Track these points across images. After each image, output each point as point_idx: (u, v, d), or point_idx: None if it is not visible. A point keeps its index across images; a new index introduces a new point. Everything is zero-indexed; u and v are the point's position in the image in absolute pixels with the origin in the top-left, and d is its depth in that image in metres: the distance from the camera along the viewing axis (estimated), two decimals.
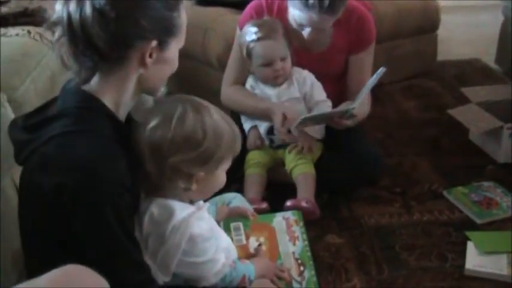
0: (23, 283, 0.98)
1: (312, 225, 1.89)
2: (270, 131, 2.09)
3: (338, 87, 2.16)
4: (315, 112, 2.04)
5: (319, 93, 2.08)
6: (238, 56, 2.13)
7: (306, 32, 1.98)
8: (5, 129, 1.33)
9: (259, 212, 1.79)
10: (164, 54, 1.26)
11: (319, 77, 2.09)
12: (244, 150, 2.05)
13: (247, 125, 2.14)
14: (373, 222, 2.05)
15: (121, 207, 1.18)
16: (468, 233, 1.95)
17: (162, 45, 1.24)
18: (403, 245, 1.93)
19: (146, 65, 1.24)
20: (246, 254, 1.59)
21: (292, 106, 2.02)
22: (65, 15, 1.17)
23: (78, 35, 1.16)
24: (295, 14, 1.95)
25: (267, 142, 2.13)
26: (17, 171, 1.32)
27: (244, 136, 2.08)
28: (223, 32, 2.57)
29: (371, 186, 2.20)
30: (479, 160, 2.40)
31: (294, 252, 1.64)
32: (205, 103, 1.36)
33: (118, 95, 1.26)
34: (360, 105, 1.97)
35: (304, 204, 1.92)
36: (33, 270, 1.03)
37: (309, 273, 1.61)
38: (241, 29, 2.11)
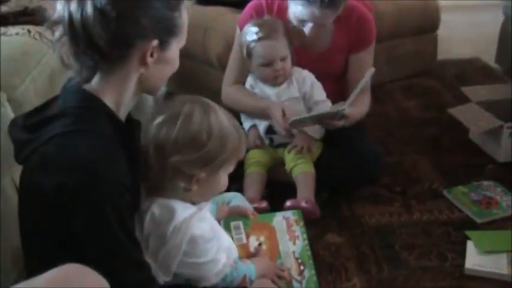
0: (22, 282, 0.97)
1: (312, 224, 1.89)
2: (269, 130, 2.09)
3: (338, 87, 2.16)
4: (314, 112, 2.04)
5: (318, 93, 2.08)
6: (239, 55, 2.13)
7: (307, 28, 1.97)
8: (5, 129, 1.33)
9: (259, 211, 1.79)
10: (165, 54, 1.26)
11: (319, 77, 2.09)
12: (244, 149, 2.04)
13: (246, 124, 2.14)
14: (373, 222, 2.05)
15: (121, 207, 1.18)
16: (468, 232, 1.95)
17: (163, 45, 1.24)
18: (403, 245, 1.93)
19: (147, 65, 1.24)
20: (246, 253, 1.59)
21: (291, 105, 2.02)
22: (66, 14, 1.17)
23: (79, 35, 1.16)
24: (296, 10, 1.95)
25: (266, 141, 2.13)
26: (17, 170, 1.32)
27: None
28: (223, 32, 2.57)
29: (371, 185, 2.20)
30: (479, 159, 2.40)
31: (294, 252, 1.64)
32: (214, 105, 1.36)
33: (119, 95, 1.26)
34: (352, 106, 1.96)
35: (304, 204, 1.92)
36: (33, 270, 1.02)
37: (309, 272, 1.62)
38: (241, 28, 2.11)
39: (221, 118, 1.33)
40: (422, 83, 3.14)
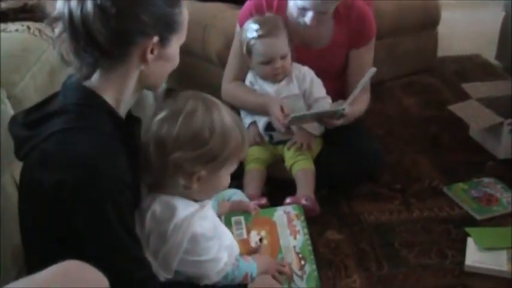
0: (22, 279, 0.97)
1: (312, 221, 1.88)
2: (269, 127, 2.09)
3: (338, 84, 2.16)
4: (313, 110, 2.03)
5: (318, 89, 2.08)
6: (238, 52, 2.12)
7: (307, 17, 1.96)
8: (5, 125, 1.33)
9: (259, 207, 1.79)
10: (165, 50, 1.26)
11: (319, 74, 2.08)
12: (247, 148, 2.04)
13: (246, 120, 2.14)
14: (373, 219, 2.05)
15: (121, 204, 1.18)
16: (468, 229, 1.95)
17: (163, 41, 1.24)
18: (402, 242, 1.94)
19: (147, 62, 1.23)
20: (247, 248, 1.59)
21: (289, 102, 2.01)
22: (66, 11, 1.16)
23: (79, 31, 1.16)
24: None
25: (266, 138, 2.12)
26: (17, 167, 1.32)
27: None
28: (223, 28, 2.56)
29: (371, 183, 2.20)
30: (480, 156, 2.40)
31: (295, 247, 1.64)
32: (217, 102, 1.35)
33: (119, 92, 1.25)
34: (351, 105, 1.96)
35: (303, 201, 1.92)
36: (33, 267, 1.02)
37: (310, 267, 1.61)
38: (240, 25, 2.10)
39: (224, 116, 1.32)
40: (422, 80, 3.14)
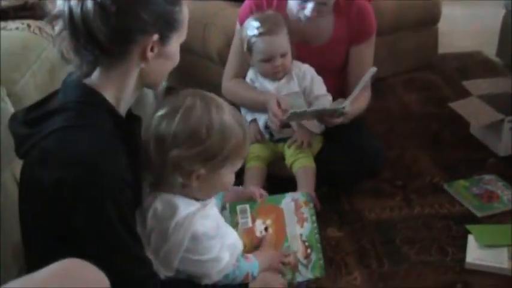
0: (22, 277, 0.97)
1: None
2: (268, 125, 2.08)
3: (338, 82, 2.15)
4: (313, 107, 2.03)
5: (319, 87, 2.08)
6: (239, 50, 2.12)
7: (308, 9, 1.96)
8: (5, 123, 1.33)
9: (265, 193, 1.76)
10: (166, 48, 1.26)
11: (319, 71, 2.08)
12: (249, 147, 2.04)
13: (247, 118, 2.13)
14: (374, 216, 2.05)
15: (122, 202, 1.18)
16: (469, 227, 1.95)
17: (163, 39, 1.24)
18: (403, 239, 1.94)
19: (147, 59, 1.23)
20: (251, 238, 1.57)
21: (287, 98, 2.01)
22: (66, 9, 1.16)
23: (79, 29, 1.16)
24: None
25: (266, 136, 2.12)
26: (17, 165, 1.32)
27: None
28: (223, 26, 2.56)
29: (372, 180, 2.19)
30: (480, 153, 2.40)
31: (301, 235, 1.61)
32: (218, 100, 1.33)
33: (119, 90, 1.25)
34: (352, 104, 1.96)
35: None
36: (34, 265, 1.02)
37: (316, 256, 1.59)
38: (240, 23, 2.10)
39: (224, 113, 1.30)
40: (423, 77, 3.14)
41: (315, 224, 1.64)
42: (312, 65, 2.08)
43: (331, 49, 2.11)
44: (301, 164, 2.03)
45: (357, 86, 1.98)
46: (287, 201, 1.67)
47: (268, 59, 2.01)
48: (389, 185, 2.21)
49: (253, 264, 1.46)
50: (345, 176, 2.11)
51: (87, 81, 1.24)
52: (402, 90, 3.01)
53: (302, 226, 1.63)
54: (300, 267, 1.58)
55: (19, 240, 1.31)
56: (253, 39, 2.00)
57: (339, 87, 2.13)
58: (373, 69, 1.99)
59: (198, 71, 2.72)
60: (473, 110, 2.44)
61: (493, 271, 1.78)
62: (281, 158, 2.11)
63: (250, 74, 2.14)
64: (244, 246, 1.52)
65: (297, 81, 2.06)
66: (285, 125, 2.05)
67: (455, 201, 2.11)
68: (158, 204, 1.31)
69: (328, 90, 2.09)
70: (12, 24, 2.12)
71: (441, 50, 3.30)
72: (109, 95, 1.24)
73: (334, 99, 2.07)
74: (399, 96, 2.95)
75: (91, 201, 1.14)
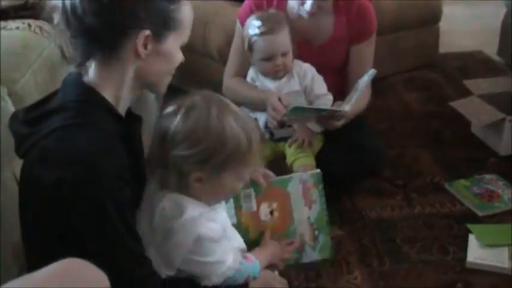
0: (21, 277, 0.97)
1: None
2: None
3: (339, 81, 2.15)
4: (314, 106, 2.03)
5: (319, 86, 2.07)
6: (239, 48, 2.12)
7: (307, 5, 1.96)
8: (5, 122, 1.33)
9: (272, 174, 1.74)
10: (161, 47, 1.24)
11: (320, 70, 2.08)
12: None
13: None
14: (375, 215, 2.05)
15: (121, 201, 1.17)
16: (469, 226, 1.95)
17: (157, 37, 1.23)
18: (404, 238, 1.94)
19: (140, 56, 1.22)
20: (256, 222, 1.55)
21: (291, 98, 2.01)
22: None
23: (70, 18, 1.17)
24: None
25: (267, 135, 2.12)
26: (17, 164, 1.32)
27: None
28: (223, 25, 2.56)
29: (373, 179, 2.19)
30: (481, 153, 2.40)
31: (309, 217, 1.59)
32: (224, 103, 1.30)
33: (117, 89, 1.25)
34: (352, 105, 1.96)
35: None
36: (34, 264, 1.02)
37: (324, 237, 1.58)
38: (240, 22, 2.10)
39: (226, 117, 1.27)
40: (424, 76, 3.14)
41: (324, 206, 1.61)
42: (312, 64, 2.07)
43: (332, 48, 2.11)
44: (301, 163, 2.03)
45: (356, 89, 1.97)
46: (294, 184, 1.61)
47: (269, 58, 2.00)
48: (390, 184, 2.21)
49: (254, 265, 1.44)
50: (346, 175, 2.11)
51: (86, 80, 1.24)
52: (403, 88, 3.01)
53: (310, 208, 1.59)
54: (307, 249, 1.56)
55: (19, 240, 1.31)
56: (254, 38, 2.00)
57: (340, 86, 2.13)
58: (372, 71, 1.98)
59: (198, 70, 2.72)
60: (474, 109, 2.44)
61: (494, 270, 1.78)
62: (282, 157, 2.11)
63: (251, 73, 2.14)
64: (248, 230, 1.51)
65: (297, 80, 2.06)
66: (286, 124, 2.05)
67: (456, 200, 2.12)
68: (166, 203, 1.29)
69: (329, 89, 2.08)
70: (12, 24, 2.12)
71: (442, 49, 3.30)
72: (108, 94, 1.24)
73: (334, 98, 2.07)
74: (400, 95, 2.95)
75: (90, 199, 1.14)
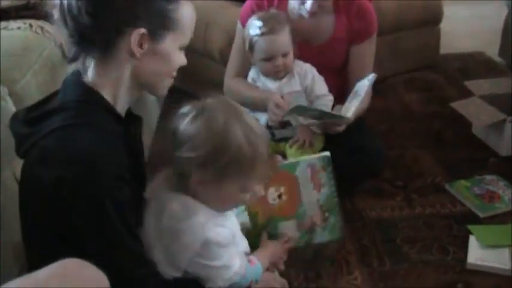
0: (21, 277, 0.97)
1: None
2: (269, 124, 2.08)
3: (340, 81, 2.15)
4: (317, 107, 2.03)
5: (320, 87, 2.07)
6: (240, 49, 2.13)
7: (308, 4, 1.96)
8: (6, 123, 1.33)
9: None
10: (158, 47, 1.24)
11: (320, 70, 2.08)
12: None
13: None
14: (375, 215, 2.05)
15: (120, 201, 1.17)
16: (470, 227, 1.95)
17: (154, 36, 1.22)
18: (404, 238, 1.94)
19: (135, 55, 1.22)
20: (264, 206, 1.54)
21: (292, 99, 2.01)
22: None
23: (68, 19, 1.17)
24: None
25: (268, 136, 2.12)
26: (18, 164, 1.32)
27: None
28: (225, 25, 2.57)
29: (373, 179, 2.19)
30: (482, 153, 2.40)
31: (318, 200, 1.58)
32: (237, 113, 1.28)
33: (114, 88, 1.25)
34: (352, 107, 1.96)
35: None
36: (34, 264, 1.02)
37: (334, 219, 1.58)
38: (241, 22, 2.10)
39: (233, 125, 1.25)
40: (425, 77, 3.14)
41: (334, 188, 1.60)
42: (312, 64, 2.08)
43: (332, 48, 2.11)
44: None
45: (356, 92, 1.97)
46: (302, 168, 1.60)
47: (269, 58, 2.01)
48: (391, 184, 2.21)
49: (257, 268, 1.44)
50: (346, 176, 2.09)
51: (86, 80, 1.24)
52: (404, 89, 3.01)
53: (319, 191, 1.59)
54: (318, 230, 1.57)
55: (20, 240, 1.31)
56: (255, 38, 2.00)
57: (340, 86, 2.13)
58: (372, 76, 1.97)
59: (199, 70, 2.72)
60: (475, 110, 2.44)
61: (495, 271, 1.77)
62: (283, 157, 2.11)
63: (252, 73, 2.14)
64: (256, 215, 1.51)
65: (298, 81, 2.06)
66: (287, 124, 2.05)
67: (457, 201, 2.11)
68: (175, 204, 1.29)
69: (330, 89, 2.09)
70: (14, 24, 2.12)
71: (443, 50, 3.30)
72: (106, 94, 1.24)
73: (335, 98, 2.07)
74: (401, 95, 2.95)
75: (90, 199, 1.14)
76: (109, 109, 1.24)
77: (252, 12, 2.07)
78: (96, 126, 1.20)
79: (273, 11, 2.05)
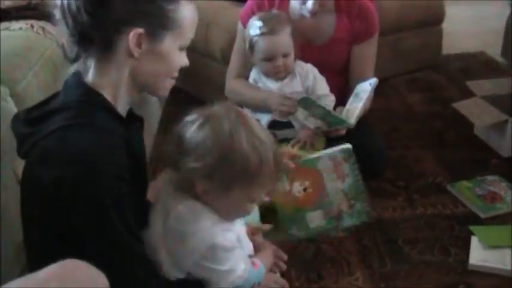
0: (20, 278, 0.97)
1: None
2: (272, 125, 2.08)
3: (341, 81, 2.15)
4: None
5: (321, 87, 2.08)
6: (241, 49, 2.13)
7: (309, 4, 1.96)
8: (7, 123, 1.34)
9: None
10: (157, 47, 1.24)
11: (321, 70, 2.08)
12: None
13: None
14: (376, 216, 2.04)
15: (120, 201, 1.17)
16: (472, 228, 1.94)
17: (152, 36, 1.22)
18: (406, 239, 1.93)
19: (133, 55, 1.22)
20: (290, 200, 1.57)
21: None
22: None
23: (68, 18, 1.18)
24: None
25: None
26: (19, 164, 1.32)
27: None
28: (226, 26, 2.57)
29: (374, 179, 2.19)
30: (484, 154, 2.40)
31: (343, 189, 1.61)
32: (243, 121, 1.26)
33: (114, 88, 1.25)
34: (353, 109, 1.97)
35: None
36: (34, 264, 1.02)
37: (361, 204, 1.61)
38: (242, 22, 2.11)
39: (239, 134, 1.23)
40: (426, 77, 3.14)
41: (358, 177, 1.62)
42: (314, 64, 2.08)
43: (333, 48, 2.11)
44: None
45: (357, 95, 1.98)
46: (324, 161, 1.62)
47: (270, 59, 2.01)
48: (392, 185, 2.21)
49: (260, 270, 1.43)
50: None
51: (86, 80, 1.24)
52: (406, 89, 3.01)
53: (343, 181, 1.61)
54: (345, 216, 1.62)
55: (21, 240, 1.31)
56: (255, 39, 2.00)
57: (342, 86, 2.13)
58: (374, 81, 1.97)
59: (200, 71, 2.73)
60: (477, 111, 2.43)
61: (497, 272, 1.77)
62: None
63: (253, 74, 2.14)
64: (283, 208, 1.55)
65: (299, 81, 2.07)
66: (288, 125, 2.05)
67: (458, 201, 2.11)
68: (183, 206, 1.28)
69: (331, 89, 2.09)
70: (15, 25, 2.13)
71: (445, 50, 3.30)
72: (106, 94, 1.24)
73: (336, 98, 2.07)
74: (402, 96, 2.95)
75: (90, 199, 1.14)
76: (110, 109, 1.24)
77: (252, 13, 2.07)
78: (96, 126, 1.20)
79: (273, 11, 2.05)
